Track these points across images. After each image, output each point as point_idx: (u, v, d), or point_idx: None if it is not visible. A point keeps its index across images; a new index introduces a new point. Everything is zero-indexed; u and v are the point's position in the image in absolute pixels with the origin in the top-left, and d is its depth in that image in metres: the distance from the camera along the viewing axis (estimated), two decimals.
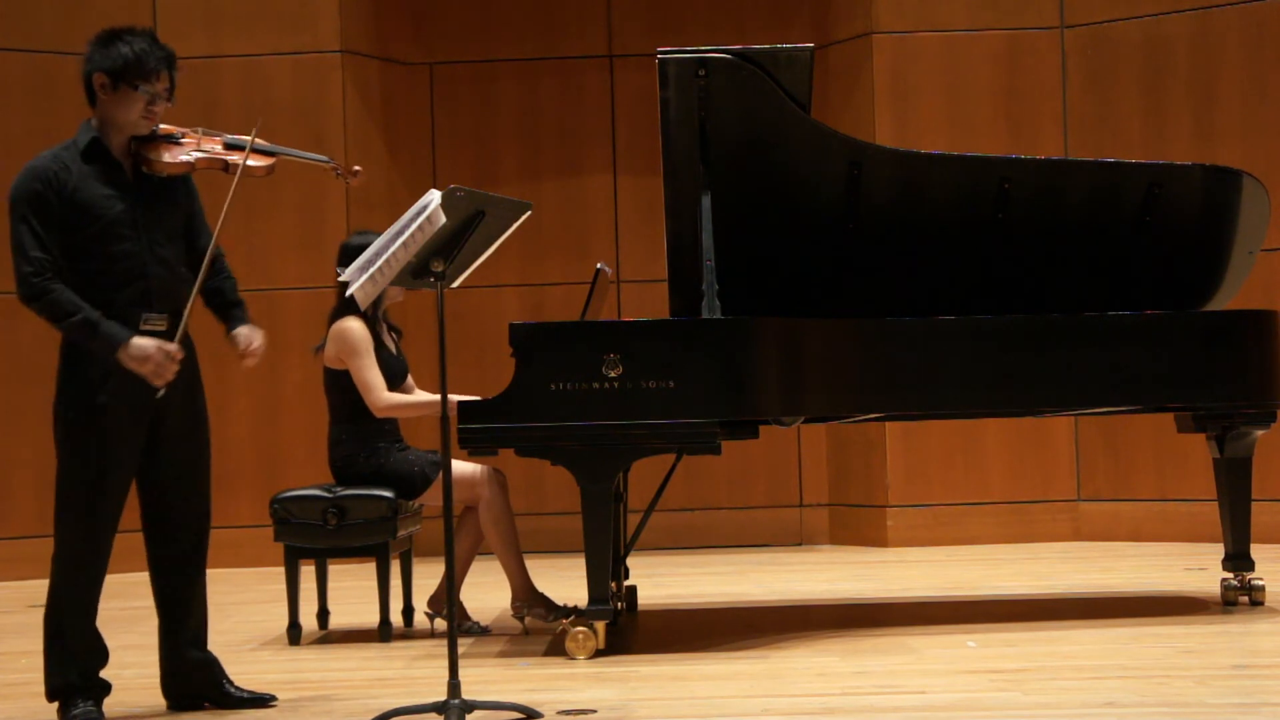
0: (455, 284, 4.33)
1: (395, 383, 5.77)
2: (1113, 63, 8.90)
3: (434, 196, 4.07)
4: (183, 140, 4.42)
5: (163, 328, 4.29)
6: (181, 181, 4.44)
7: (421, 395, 5.86)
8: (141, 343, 4.18)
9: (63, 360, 4.29)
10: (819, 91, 7.70)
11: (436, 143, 9.61)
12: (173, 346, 4.22)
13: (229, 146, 4.47)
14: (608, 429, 5.14)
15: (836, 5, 9.36)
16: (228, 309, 4.54)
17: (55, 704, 4.32)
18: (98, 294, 4.22)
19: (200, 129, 4.48)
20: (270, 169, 4.52)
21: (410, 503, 5.81)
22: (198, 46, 8.94)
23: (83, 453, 4.24)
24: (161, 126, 4.41)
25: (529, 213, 4.41)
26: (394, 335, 5.95)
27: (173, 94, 4.35)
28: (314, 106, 8.96)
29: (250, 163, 4.43)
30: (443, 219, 4.05)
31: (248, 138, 4.49)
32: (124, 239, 4.26)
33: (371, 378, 5.64)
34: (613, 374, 5.14)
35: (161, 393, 4.24)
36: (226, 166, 4.42)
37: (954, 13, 9.02)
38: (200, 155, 4.40)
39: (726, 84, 5.52)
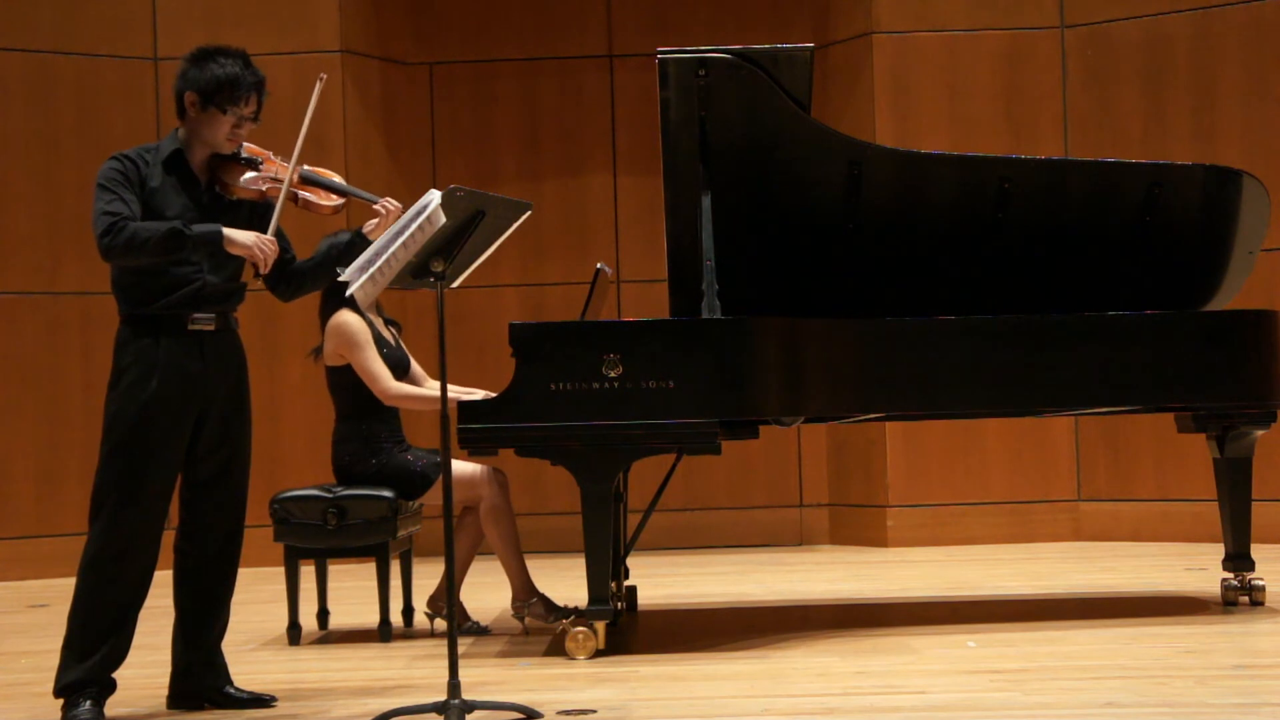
0: (455, 284, 4.33)
1: (398, 374, 5.76)
2: (1113, 63, 8.90)
3: (434, 196, 4.07)
4: (261, 166, 4.50)
5: (210, 328, 4.39)
6: (252, 205, 4.50)
7: (430, 389, 5.81)
8: (238, 232, 4.31)
9: (116, 357, 4.35)
10: (819, 91, 7.70)
11: (436, 143, 9.61)
12: (266, 236, 4.34)
13: (304, 179, 4.53)
14: (608, 429, 5.14)
15: (836, 5, 9.36)
16: (321, 262, 4.61)
17: (60, 701, 4.33)
18: (150, 291, 4.33)
19: (281, 156, 4.55)
20: (338, 208, 4.59)
21: (411, 503, 5.81)
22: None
23: (127, 450, 4.29)
24: (246, 147, 4.51)
25: (529, 213, 4.42)
26: (392, 329, 5.95)
27: (258, 116, 4.45)
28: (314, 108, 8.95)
29: (318, 199, 4.53)
30: (443, 219, 4.05)
31: (328, 172, 4.62)
32: (185, 254, 4.33)
33: (376, 368, 5.63)
34: (612, 374, 5.14)
35: (262, 275, 4.40)
36: (296, 198, 4.49)
37: (954, 13, 9.02)
38: (272, 184, 4.46)
39: (726, 84, 5.52)
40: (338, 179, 4.63)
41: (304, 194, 4.51)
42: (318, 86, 4.48)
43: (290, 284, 4.61)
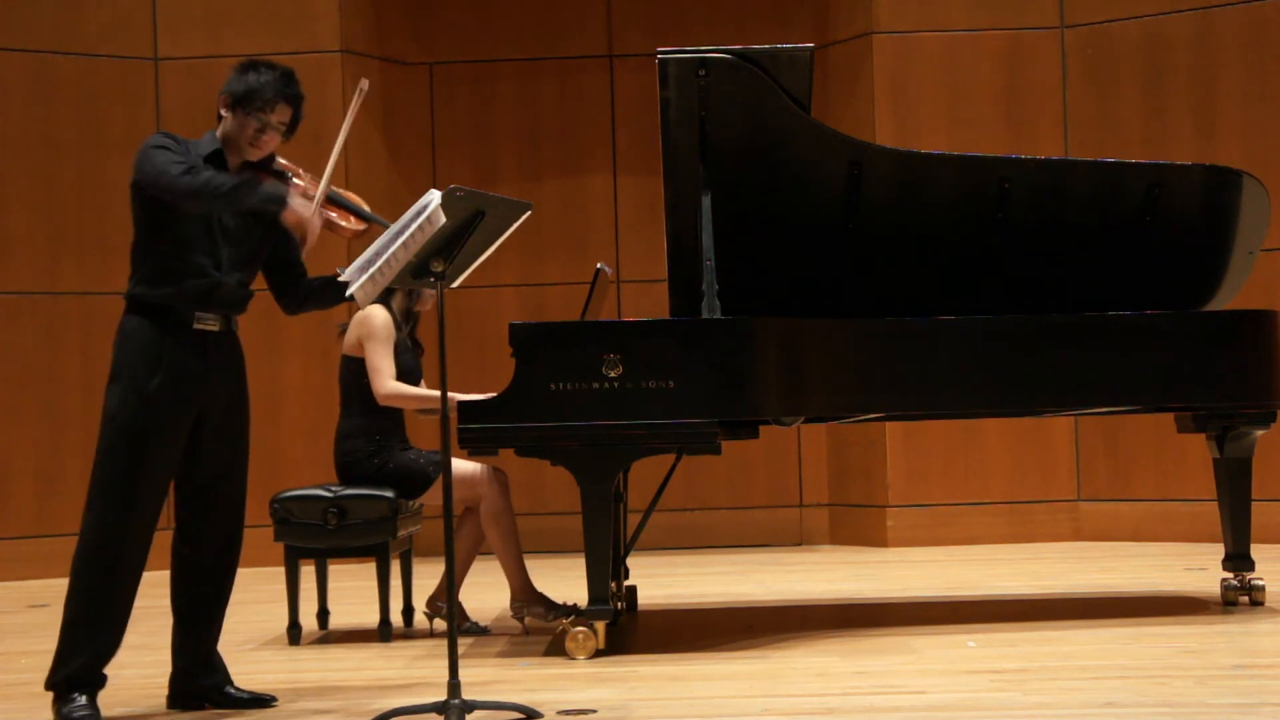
0: (455, 284, 4.33)
1: (407, 384, 5.76)
2: (1113, 63, 8.90)
3: (434, 196, 4.07)
4: (292, 181, 4.52)
5: (215, 328, 4.41)
6: (275, 218, 4.50)
7: (426, 389, 5.82)
8: (296, 201, 4.35)
9: (117, 351, 4.36)
10: (819, 91, 7.70)
11: (436, 143, 9.61)
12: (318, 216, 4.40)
13: (331, 199, 4.54)
14: (608, 429, 5.14)
15: (836, 5, 9.36)
16: (331, 282, 4.62)
17: (51, 694, 4.33)
18: (166, 284, 4.33)
19: (312, 175, 4.59)
20: (359, 234, 4.62)
21: (411, 502, 5.81)
22: (197, 46, 8.94)
23: (124, 445, 4.29)
24: (281, 162, 4.56)
25: (529, 213, 4.42)
26: (415, 348, 5.93)
27: (291, 131, 4.48)
28: (314, 106, 8.87)
29: (341, 221, 4.54)
30: (443, 219, 4.05)
31: (354, 196, 4.64)
32: (208, 245, 4.37)
33: (383, 363, 5.63)
34: (613, 374, 5.14)
35: (305, 249, 4.44)
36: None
37: (954, 13, 9.03)
38: (299, 201, 4.45)
39: (726, 84, 5.52)
40: (362, 205, 4.64)
41: (327, 214, 4.51)
42: (358, 94, 4.52)
43: (299, 298, 4.63)
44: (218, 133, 4.47)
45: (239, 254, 4.43)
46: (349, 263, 4.46)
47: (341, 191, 4.62)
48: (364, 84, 4.56)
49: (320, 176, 4.53)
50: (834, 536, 9.40)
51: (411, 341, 5.93)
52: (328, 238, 4.60)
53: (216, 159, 4.42)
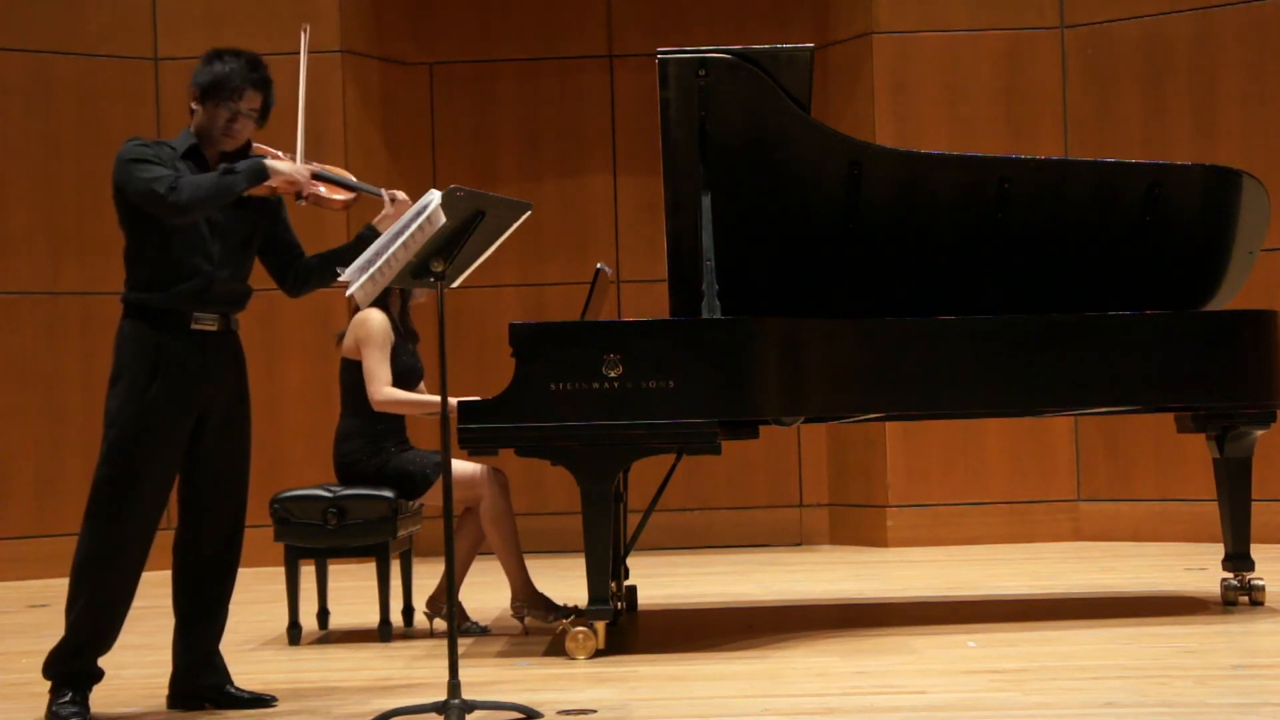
0: (455, 284, 4.33)
1: (409, 382, 5.76)
2: (1113, 63, 8.90)
3: (434, 196, 4.07)
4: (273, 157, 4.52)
5: (214, 328, 4.40)
6: (264, 201, 4.51)
7: (422, 395, 5.83)
8: (278, 164, 4.39)
9: (117, 353, 4.36)
10: (819, 91, 7.70)
11: (436, 143, 9.61)
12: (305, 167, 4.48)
13: (316, 176, 4.54)
14: (608, 429, 5.14)
15: (836, 5, 9.36)
16: (329, 257, 4.62)
17: (47, 680, 4.37)
18: (162, 286, 4.33)
19: (289, 154, 4.59)
20: (348, 204, 4.62)
21: (411, 503, 5.81)
22: (197, 46, 8.81)
23: (125, 448, 4.30)
24: (257, 147, 4.55)
25: (529, 213, 4.42)
26: (410, 340, 5.93)
27: (264, 117, 4.48)
28: (314, 106, 8.94)
29: (329, 194, 4.55)
30: (443, 219, 4.05)
31: (339, 170, 4.65)
32: (197, 241, 4.37)
33: (379, 370, 5.63)
34: (613, 374, 5.14)
35: (304, 200, 4.47)
36: (304, 196, 4.51)
37: (954, 13, 9.02)
38: (282, 180, 4.46)
39: (726, 84, 5.52)
40: (348, 175, 4.65)
41: (314, 190, 4.52)
42: (304, 39, 4.55)
43: (298, 277, 4.64)
44: (192, 127, 4.46)
45: (229, 246, 4.42)
46: (347, 233, 4.47)
47: (325, 166, 4.62)
48: (305, 29, 4.61)
49: (295, 153, 4.54)
50: (834, 536, 9.40)
51: (408, 331, 5.92)
52: (322, 214, 4.61)
53: (194, 154, 4.41)
